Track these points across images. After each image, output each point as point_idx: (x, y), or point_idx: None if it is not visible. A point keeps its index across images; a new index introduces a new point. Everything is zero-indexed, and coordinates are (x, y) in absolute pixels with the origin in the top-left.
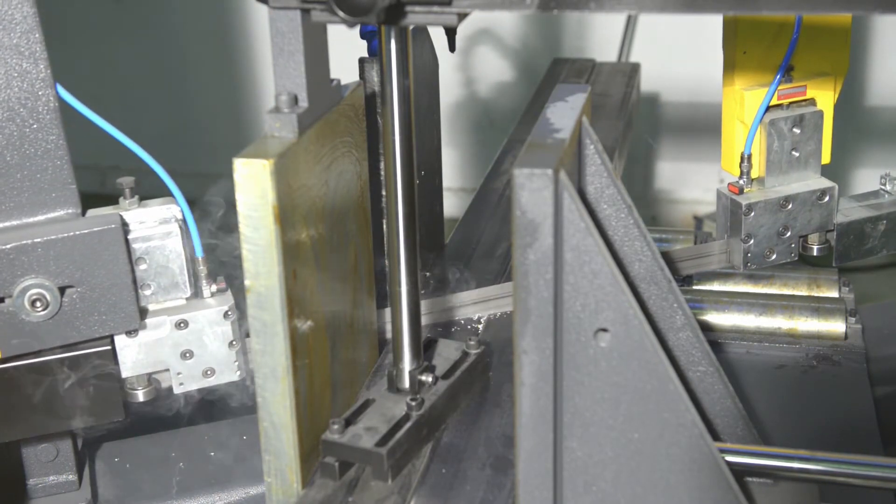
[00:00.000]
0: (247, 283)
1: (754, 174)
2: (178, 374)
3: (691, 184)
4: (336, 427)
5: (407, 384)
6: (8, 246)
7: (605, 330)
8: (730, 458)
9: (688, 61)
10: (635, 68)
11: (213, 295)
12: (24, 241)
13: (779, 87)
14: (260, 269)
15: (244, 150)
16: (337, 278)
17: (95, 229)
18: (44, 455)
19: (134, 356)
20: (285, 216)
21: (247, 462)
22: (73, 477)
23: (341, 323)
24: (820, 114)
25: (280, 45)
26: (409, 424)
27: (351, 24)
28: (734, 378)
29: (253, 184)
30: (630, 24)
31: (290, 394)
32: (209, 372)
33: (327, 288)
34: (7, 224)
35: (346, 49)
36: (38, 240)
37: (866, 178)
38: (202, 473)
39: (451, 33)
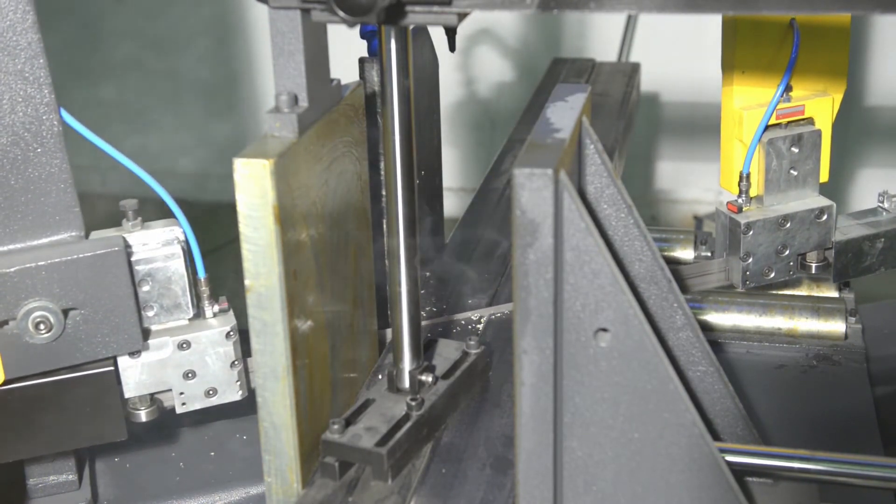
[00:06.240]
0: (247, 283)
1: (753, 193)
2: (181, 394)
3: (691, 184)
4: (336, 427)
5: (407, 384)
6: (12, 269)
7: (605, 330)
8: (730, 458)
9: (688, 61)
10: (635, 68)
11: (215, 315)
12: (28, 265)
13: (777, 107)
14: (260, 269)
15: (244, 150)
16: (337, 278)
17: (99, 252)
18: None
19: (137, 377)
20: (285, 216)
21: (246, 462)
22: (73, 477)
23: (341, 323)
24: (818, 133)
25: (280, 45)
26: (409, 424)
27: (351, 24)
28: (734, 378)
29: (253, 184)
30: (630, 24)
31: (290, 394)
32: (211, 392)
33: (327, 288)
34: (11, 247)
35: (346, 49)
36: (42, 263)
37: (866, 179)
38: (202, 473)
39: (451, 33)
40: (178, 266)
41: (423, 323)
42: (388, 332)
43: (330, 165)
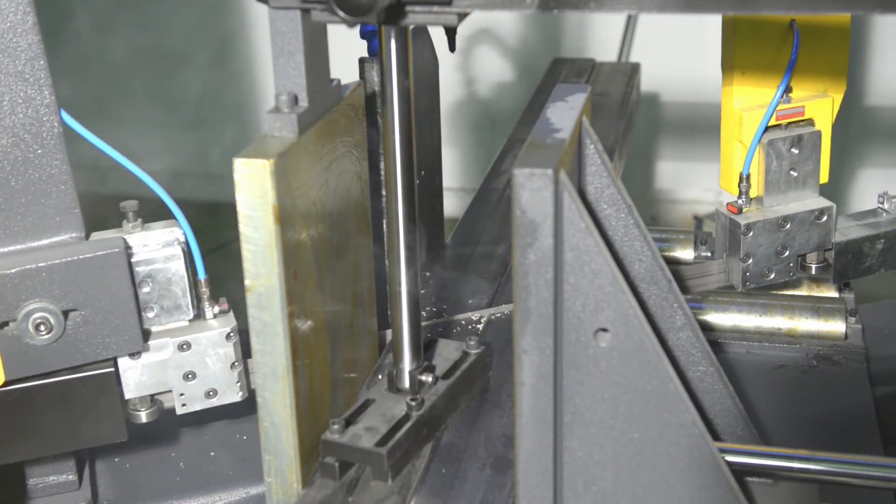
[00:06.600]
0: (247, 283)
1: (753, 194)
2: (181, 395)
3: (691, 184)
4: (336, 427)
5: (407, 384)
6: (12, 270)
7: (605, 330)
8: (730, 458)
9: (688, 61)
10: (635, 68)
11: (215, 316)
12: (29, 266)
13: (777, 108)
14: (260, 269)
15: (244, 150)
16: (337, 278)
17: (99, 253)
18: None
19: (137, 378)
20: (285, 216)
21: (246, 462)
22: (73, 477)
23: (341, 323)
24: (818, 134)
25: (280, 45)
26: (409, 424)
27: (351, 24)
28: (734, 378)
29: (253, 184)
30: (630, 24)
31: (290, 394)
32: (211, 393)
33: (327, 288)
34: (11, 248)
35: (346, 49)
36: (43, 264)
37: (866, 179)
38: (202, 473)
39: (451, 33)
40: (179, 267)
41: (423, 323)
42: (389, 332)
43: (330, 165)
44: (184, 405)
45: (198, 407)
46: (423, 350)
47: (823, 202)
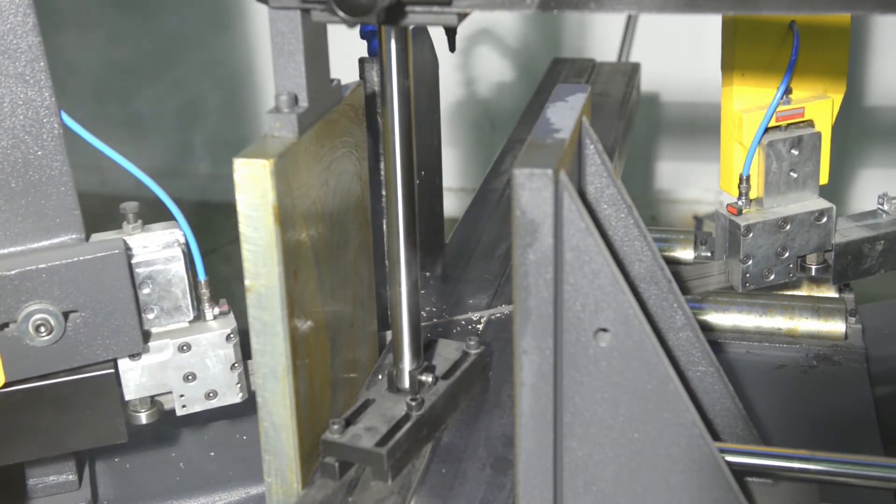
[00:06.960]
0: (247, 283)
1: (753, 195)
2: (181, 396)
3: (691, 184)
4: (336, 427)
5: (407, 384)
6: (13, 272)
7: (605, 330)
8: (730, 458)
9: (688, 61)
10: (635, 68)
11: (215, 318)
12: (29, 267)
13: (777, 109)
14: (260, 269)
15: (244, 150)
16: (337, 278)
17: (99, 255)
18: None
19: (137, 379)
20: (285, 216)
21: (246, 462)
22: (73, 477)
23: (341, 323)
24: (818, 135)
25: (280, 45)
26: (409, 424)
27: (351, 24)
28: (734, 378)
29: (253, 184)
30: (630, 24)
31: (290, 394)
32: (211, 394)
33: (327, 288)
34: (12, 250)
35: (346, 49)
36: (43, 265)
37: (866, 180)
38: (202, 473)
39: (451, 33)
40: (179, 268)
41: (423, 323)
42: (389, 333)
43: (330, 165)
44: (184, 406)
45: (198, 408)
46: (423, 350)
47: (823, 203)
